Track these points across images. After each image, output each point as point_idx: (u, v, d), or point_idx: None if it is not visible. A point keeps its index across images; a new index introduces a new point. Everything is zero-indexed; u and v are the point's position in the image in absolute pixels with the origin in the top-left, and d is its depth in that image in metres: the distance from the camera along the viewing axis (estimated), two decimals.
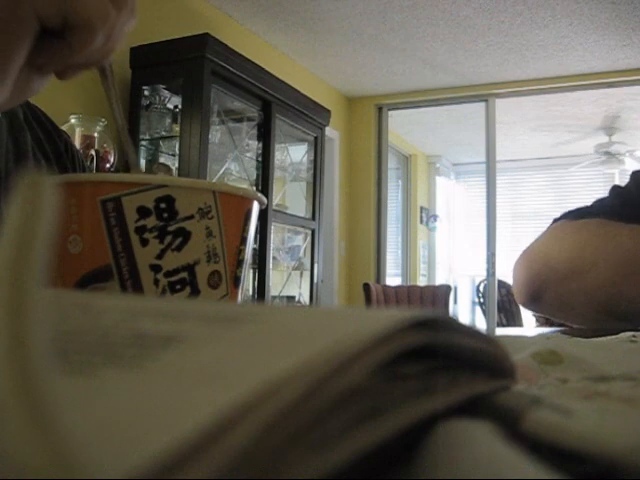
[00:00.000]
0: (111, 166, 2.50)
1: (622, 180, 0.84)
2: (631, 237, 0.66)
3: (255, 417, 0.10)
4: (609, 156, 5.60)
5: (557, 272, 0.72)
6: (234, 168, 3.28)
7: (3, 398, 0.09)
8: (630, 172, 0.84)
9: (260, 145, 3.37)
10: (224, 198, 0.36)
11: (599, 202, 0.81)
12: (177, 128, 2.90)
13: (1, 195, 0.57)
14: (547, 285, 0.73)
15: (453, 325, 0.16)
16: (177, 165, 2.88)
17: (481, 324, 4.80)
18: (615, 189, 0.82)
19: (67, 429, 0.09)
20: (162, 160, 2.96)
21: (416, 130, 5.54)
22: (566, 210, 0.83)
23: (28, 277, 0.11)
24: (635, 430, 0.15)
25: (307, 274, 3.85)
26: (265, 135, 3.37)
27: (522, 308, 0.86)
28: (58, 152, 0.68)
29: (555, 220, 0.82)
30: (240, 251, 0.38)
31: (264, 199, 0.40)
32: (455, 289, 6.01)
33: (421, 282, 5.78)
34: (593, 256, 0.69)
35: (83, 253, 0.35)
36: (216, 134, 3.11)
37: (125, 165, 0.34)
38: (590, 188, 6.08)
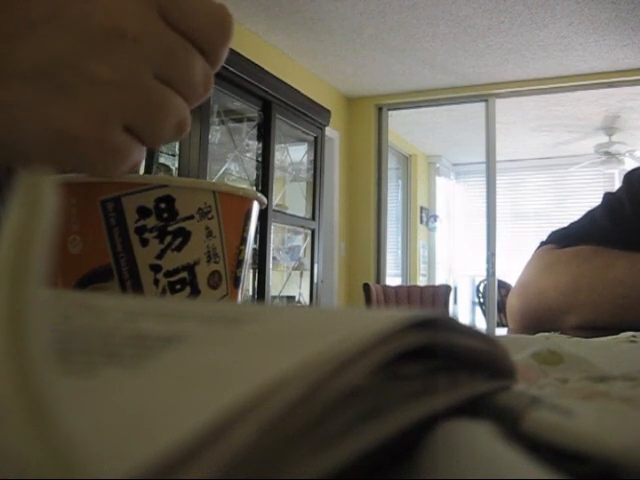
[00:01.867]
0: None
1: (621, 181, 0.82)
2: (626, 269, 0.67)
3: (255, 417, 0.10)
4: (609, 156, 5.59)
5: (552, 309, 0.72)
6: (234, 168, 3.28)
7: (3, 398, 0.09)
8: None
9: (260, 145, 3.37)
10: (224, 198, 0.36)
11: (590, 219, 0.79)
12: None
13: (3, 193, 0.57)
14: (543, 321, 0.72)
15: (453, 325, 0.16)
16: (177, 165, 2.88)
17: (481, 324, 4.80)
18: (606, 199, 0.80)
19: (67, 429, 0.09)
20: (162, 160, 2.96)
21: (416, 130, 5.53)
22: (553, 230, 0.81)
23: (28, 277, 0.11)
24: (635, 430, 0.15)
25: (307, 274, 3.85)
26: (265, 135, 3.37)
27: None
28: None
29: (542, 243, 0.81)
30: (240, 251, 0.38)
31: (264, 199, 0.40)
32: (455, 289, 6.00)
33: (421, 282, 5.78)
34: (589, 292, 0.69)
35: (83, 253, 0.35)
36: (216, 134, 3.11)
37: None
38: (590, 188, 6.08)
